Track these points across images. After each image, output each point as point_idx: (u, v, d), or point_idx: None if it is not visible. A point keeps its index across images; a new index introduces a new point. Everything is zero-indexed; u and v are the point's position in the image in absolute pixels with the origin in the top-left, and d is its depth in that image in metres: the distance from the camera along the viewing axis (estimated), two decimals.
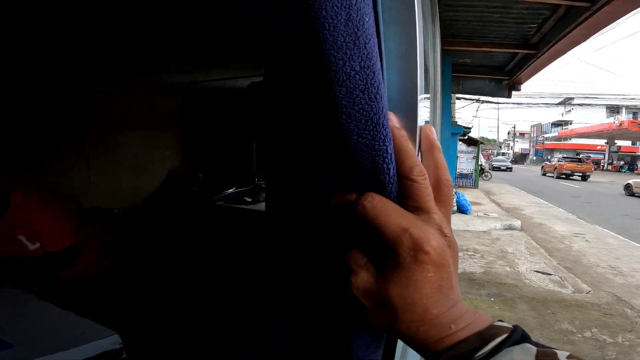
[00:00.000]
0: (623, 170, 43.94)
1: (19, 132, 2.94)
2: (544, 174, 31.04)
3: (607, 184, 24.80)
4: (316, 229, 0.38)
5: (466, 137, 17.73)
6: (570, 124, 53.58)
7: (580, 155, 39.14)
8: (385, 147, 0.28)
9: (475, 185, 18.64)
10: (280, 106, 0.38)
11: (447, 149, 8.45)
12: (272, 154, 0.40)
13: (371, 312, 0.31)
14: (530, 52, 5.48)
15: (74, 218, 1.68)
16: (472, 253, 7.55)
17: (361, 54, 0.25)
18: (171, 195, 3.94)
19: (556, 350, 0.30)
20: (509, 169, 36.61)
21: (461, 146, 17.64)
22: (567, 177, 26.73)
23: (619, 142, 46.19)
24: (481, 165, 22.98)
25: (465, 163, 18.53)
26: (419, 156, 0.35)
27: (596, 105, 47.04)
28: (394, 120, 0.30)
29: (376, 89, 0.26)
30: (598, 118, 45.27)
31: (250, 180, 4.34)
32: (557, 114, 58.26)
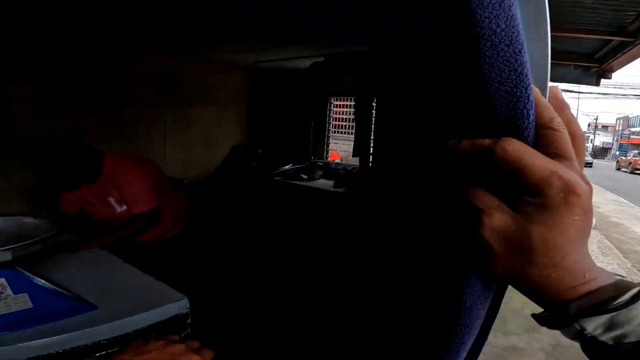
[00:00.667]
0: None
1: (111, 107, 3.32)
2: (619, 169, 27.84)
3: None
4: (431, 175, 0.39)
5: None
6: None
7: None
8: (527, 95, 0.31)
9: None
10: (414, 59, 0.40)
11: None
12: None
13: (498, 256, 0.32)
14: (627, 39, 4.81)
15: (157, 183, 1.77)
16: None
17: (506, 14, 0.30)
18: (233, 169, 4.17)
19: None
20: (588, 165, 31.97)
21: None
22: None
23: None
24: None
25: None
26: None
27: None
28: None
29: (520, 45, 0.30)
30: None
31: (306, 157, 4.43)
32: None
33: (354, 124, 4.18)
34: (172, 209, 1.93)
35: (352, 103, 4.15)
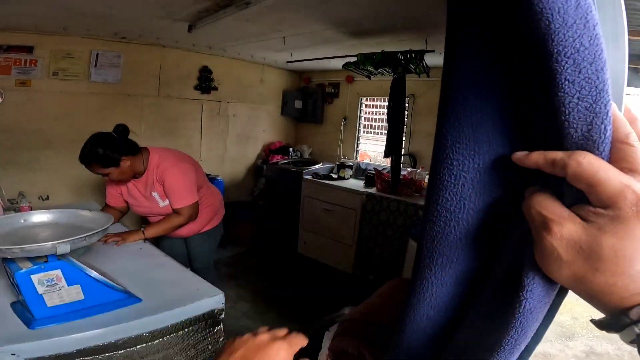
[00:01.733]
0: None
1: (155, 106, 3.48)
2: None
3: None
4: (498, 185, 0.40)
5: None
6: None
7: None
8: (606, 111, 0.32)
9: None
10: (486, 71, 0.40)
11: None
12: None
13: (565, 263, 0.33)
14: None
15: (196, 179, 1.80)
16: None
17: (590, 34, 0.30)
18: (265, 167, 4.24)
19: None
20: None
21: None
22: None
23: None
24: None
25: None
26: None
27: None
28: None
29: (603, 62, 0.31)
30: None
31: (337, 157, 4.42)
32: None
33: (383, 124, 4.13)
34: (208, 205, 1.98)
35: (383, 103, 4.10)
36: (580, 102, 0.32)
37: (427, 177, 3.39)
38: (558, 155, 0.33)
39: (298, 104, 4.61)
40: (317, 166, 4.01)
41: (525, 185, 0.37)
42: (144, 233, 1.66)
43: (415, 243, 2.26)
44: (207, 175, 3.61)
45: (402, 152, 3.25)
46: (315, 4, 1.95)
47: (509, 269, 0.40)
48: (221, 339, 1.33)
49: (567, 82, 0.32)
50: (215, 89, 3.80)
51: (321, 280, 3.40)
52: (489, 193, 0.41)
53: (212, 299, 1.26)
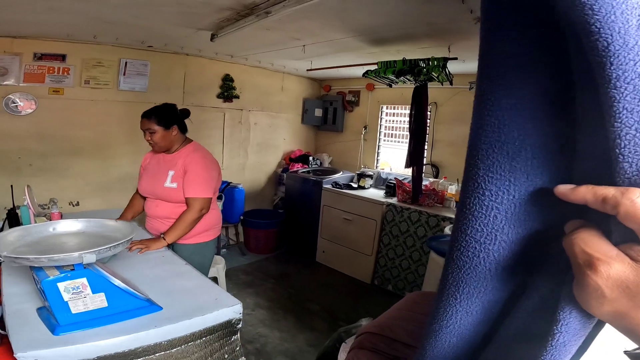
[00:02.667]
0: None
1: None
2: None
3: None
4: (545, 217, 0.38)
5: None
6: None
7: None
8: None
9: None
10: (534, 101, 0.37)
11: None
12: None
13: (608, 300, 0.33)
14: None
15: (214, 180, 1.86)
16: None
17: None
18: (285, 176, 4.25)
19: None
20: None
21: None
22: None
23: None
24: None
25: None
26: None
27: None
28: None
29: None
30: None
31: (357, 166, 4.39)
32: None
33: (404, 132, 4.08)
34: (206, 217, 1.92)
35: (404, 111, 4.05)
36: (638, 134, 0.29)
37: (449, 187, 3.31)
38: (609, 192, 0.31)
39: (318, 112, 4.63)
40: (337, 175, 3.99)
41: (564, 218, 0.35)
42: (164, 239, 1.70)
43: (437, 255, 2.20)
44: (229, 183, 3.68)
45: (424, 162, 3.19)
46: (335, 12, 1.96)
47: (541, 302, 0.38)
48: (237, 348, 1.32)
49: (625, 112, 0.29)
50: (237, 97, 3.87)
51: (339, 289, 3.36)
52: (524, 225, 0.38)
53: (231, 309, 1.26)
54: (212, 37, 2.50)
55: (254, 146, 4.22)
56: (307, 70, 3.76)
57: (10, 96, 2.64)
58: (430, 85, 2.86)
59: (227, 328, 1.26)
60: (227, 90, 3.78)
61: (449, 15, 1.91)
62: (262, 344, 2.42)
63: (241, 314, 1.30)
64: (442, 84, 2.80)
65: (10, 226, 1.75)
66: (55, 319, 0.95)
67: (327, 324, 2.71)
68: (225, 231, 3.86)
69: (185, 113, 1.95)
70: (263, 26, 2.13)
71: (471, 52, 2.57)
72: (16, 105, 2.68)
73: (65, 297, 0.93)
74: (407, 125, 3.13)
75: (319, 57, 3.17)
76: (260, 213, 4.11)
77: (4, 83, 2.63)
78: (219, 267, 2.57)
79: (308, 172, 4.15)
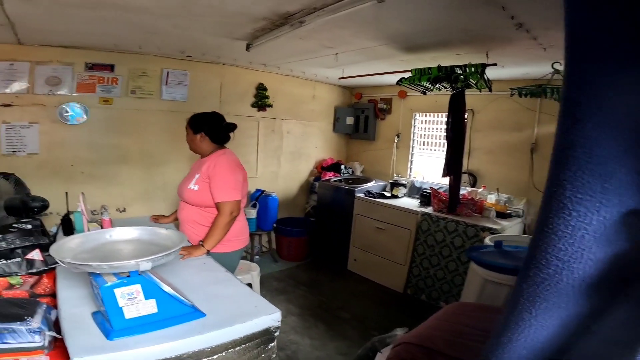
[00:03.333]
0: None
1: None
2: None
3: None
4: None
5: None
6: None
7: None
8: None
9: None
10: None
11: None
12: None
13: None
14: None
15: (240, 183, 1.89)
16: None
17: None
18: (317, 184, 4.27)
19: None
20: None
21: None
22: None
23: None
24: None
25: None
26: None
27: None
28: None
29: None
30: None
31: (390, 174, 4.33)
32: None
33: (438, 140, 3.99)
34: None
35: (439, 119, 3.97)
36: None
37: (488, 196, 3.20)
38: None
39: (350, 120, 4.63)
40: (369, 184, 3.96)
41: None
42: (203, 247, 1.75)
43: (477, 266, 2.12)
44: (263, 191, 3.75)
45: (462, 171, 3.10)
46: (368, 21, 1.96)
47: (630, 318, 0.38)
48: (273, 356, 1.32)
49: None
50: (270, 106, 3.94)
51: (370, 298, 3.31)
52: (613, 245, 0.37)
53: (270, 317, 1.27)
54: (248, 47, 2.57)
55: (287, 155, 4.28)
56: (339, 78, 3.78)
57: (63, 106, 2.82)
58: (467, 91, 2.79)
59: (265, 335, 1.27)
60: (261, 99, 3.87)
61: (488, 22, 1.86)
62: (293, 351, 2.43)
63: (279, 322, 1.30)
64: (481, 91, 2.72)
65: (65, 231, 1.87)
66: (110, 323, 1.00)
67: (358, 332, 2.68)
68: (258, 238, 3.93)
69: (228, 127, 2.01)
70: (296, 35, 2.17)
71: (511, 57, 2.48)
72: (69, 115, 2.86)
73: (121, 302, 0.98)
74: (444, 134, 3.07)
75: (351, 65, 3.18)
76: (293, 221, 4.16)
77: (58, 93, 2.80)
78: (253, 273, 2.62)
79: (340, 180, 4.15)
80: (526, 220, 3.15)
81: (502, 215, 3.06)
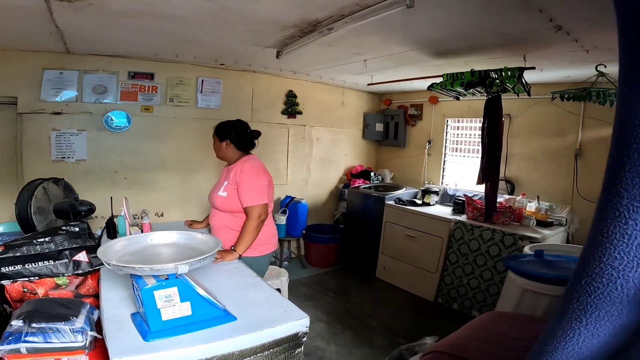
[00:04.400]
0: None
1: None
2: None
3: None
4: None
5: None
6: None
7: None
8: None
9: None
10: None
11: None
12: None
13: None
14: None
15: (265, 187, 1.93)
16: None
17: None
18: (347, 191, 4.26)
19: None
20: None
21: None
22: None
23: None
24: None
25: None
26: None
27: None
28: None
29: None
30: None
31: (421, 182, 4.24)
32: None
33: (472, 147, 3.86)
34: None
35: (472, 124, 3.85)
36: None
37: (528, 204, 3.05)
38: None
39: (379, 126, 4.59)
40: (399, 191, 3.90)
41: None
42: (235, 251, 1.80)
43: (515, 275, 2.03)
44: (293, 198, 3.79)
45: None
46: (397, 26, 1.95)
47: None
48: None
49: None
50: (300, 113, 3.99)
51: (399, 306, 3.24)
52: None
53: (298, 322, 1.27)
54: (278, 54, 2.62)
55: (317, 161, 4.30)
56: (368, 84, 3.77)
57: (109, 114, 2.98)
58: (503, 96, 2.69)
59: (293, 341, 1.28)
60: (291, 106, 3.93)
61: (524, 25, 1.80)
62: (319, 357, 2.42)
63: (307, 328, 1.30)
64: (519, 95, 2.61)
65: (109, 234, 1.99)
66: (148, 325, 1.04)
67: (386, 340, 2.63)
68: (287, 244, 3.97)
69: (252, 134, 2.05)
70: (325, 42, 2.19)
71: (551, 60, 2.37)
72: (114, 123, 3.02)
73: (159, 304, 1.02)
74: (479, 140, 2.97)
75: (380, 71, 3.16)
76: (322, 228, 4.16)
77: (104, 101, 2.96)
78: (282, 279, 2.65)
79: (369, 187, 4.12)
80: (569, 229, 2.98)
81: (542, 223, 2.91)
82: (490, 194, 2.83)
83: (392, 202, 3.67)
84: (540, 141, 3.23)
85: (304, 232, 3.95)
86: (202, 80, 3.36)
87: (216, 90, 3.44)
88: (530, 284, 1.93)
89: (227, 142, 1.99)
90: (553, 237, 2.79)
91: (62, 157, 2.88)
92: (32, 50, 2.69)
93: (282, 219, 3.61)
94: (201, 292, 1.09)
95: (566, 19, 1.66)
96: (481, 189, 2.98)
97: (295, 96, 3.93)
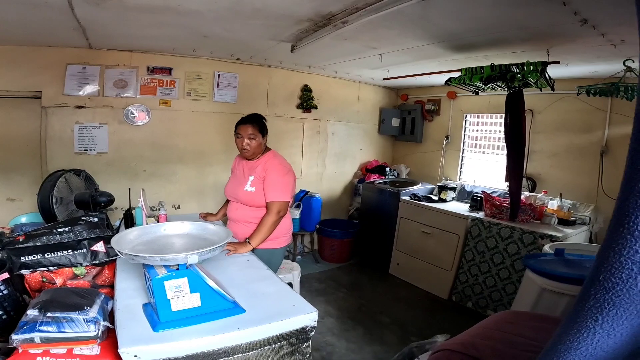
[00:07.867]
0: None
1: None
2: None
3: None
4: None
5: None
6: None
7: None
8: None
9: None
10: None
11: None
12: None
13: None
14: None
15: (291, 185, 1.94)
16: None
17: None
18: (362, 186, 4.23)
19: None
20: None
21: None
22: None
23: None
24: None
25: None
26: None
27: None
28: None
29: None
30: None
31: (438, 178, 4.16)
32: None
33: (492, 143, 3.75)
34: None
35: (492, 120, 3.74)
36: None
37: (550, 202, 2.95)
38: None
39: (395, 122, 4.53)
40: (415, 187, 3.84)
41: None
42: (249, 244, 1.82)
43: (534, 274, 1.98)
44: (307, 192, 3.80)
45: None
46: (414, 19, 1.90)
47: None
48: (307, 355, 1.32)
49: None
50: (315, 107, 3.98)
51: (412, 303, 3.21)
52: None
53: (307, 316, 1.27)
54: (292, 49, 2.62)
55: (332, 156, 4.29)
56: (384, 79, 3.70)
57: (129, 107, 3.07)
58: (525, 91, 2.60)
59: (301, 335, 1.28)
60: (306, 101, 3.92)
61: (548, 18, 1.72)
62: (329, 352, 2.42)
63: (316, 322, 1.30)
64: (542, 90, 2.52)
65: (126, 225, 2.04)
66: (158, 315, 1.06)
67: (397, 337, 2.61)
68: (301, 239, 3.98)
69: None
70: (340, 36, 2.17)
71: (576, 55, 2.27)
72: (134, 116, 3.11)
73: (169, 295, 1.04)
74: (501, 136, 2.88)
75: (397, 65, 3.11)
76: (336, 223, 4.16)
77: (124, 95, 3.05)
78: (294, 273, 2.66)
79: (385, 183, 4.07)
80: (593, 228, 2.86)
81: (564, 222, 2.81)
82: (515, 191, 2.76)
83: (407, 198, 3.62)
84: (564, 137, 3.11)
85: (317, 226, 3.95)
86: (219, 75, 3.40)
87: (232, 85, 3.47)
88: (550, 283, 1.87)
89: (265, 136, 2.00)
90: (575, 236, 2.70)
91: (85, 150, 2.98)
92: (56, 46, 2.78)
93: (296, 213, 3.62)
94: (211, 283, 1.10)
95: (591, 13, 1.59)
96: (501, 186, 2.90)
97: (310, 90, 3.92)
